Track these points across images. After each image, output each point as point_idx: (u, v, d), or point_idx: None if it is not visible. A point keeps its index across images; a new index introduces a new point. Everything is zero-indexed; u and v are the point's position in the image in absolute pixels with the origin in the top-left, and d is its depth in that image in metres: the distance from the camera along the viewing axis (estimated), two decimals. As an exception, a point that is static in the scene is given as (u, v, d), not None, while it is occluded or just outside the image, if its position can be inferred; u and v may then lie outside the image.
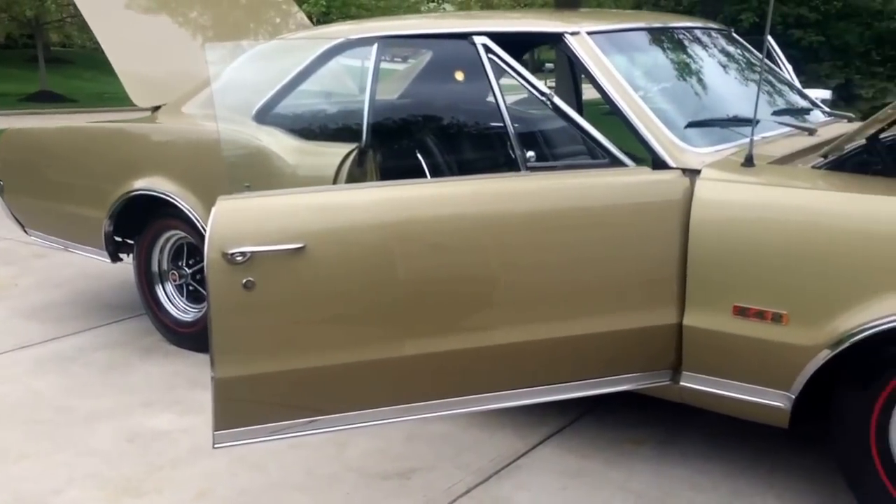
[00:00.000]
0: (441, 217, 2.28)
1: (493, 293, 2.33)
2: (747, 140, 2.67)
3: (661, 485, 2.55)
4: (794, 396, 2.25)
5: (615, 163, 2.46)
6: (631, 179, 2.43)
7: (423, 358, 2.29)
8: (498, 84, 2.41)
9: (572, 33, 2.71)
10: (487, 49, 2.43)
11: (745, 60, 3.50)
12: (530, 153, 2.37)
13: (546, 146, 2.65)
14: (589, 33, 2.73)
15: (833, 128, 3.08)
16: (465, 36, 2.48)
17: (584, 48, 2.67)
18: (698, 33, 3.40)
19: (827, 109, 3.56)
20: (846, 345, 2.12)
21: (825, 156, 2.44)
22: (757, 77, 3.50)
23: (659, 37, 3.19)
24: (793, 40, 17.45)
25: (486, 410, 2.50)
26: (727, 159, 2.49)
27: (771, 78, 3.49)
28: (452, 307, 2.32)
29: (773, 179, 2.35)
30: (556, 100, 2.44)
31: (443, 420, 2.90)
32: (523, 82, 2.44)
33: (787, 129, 2.91)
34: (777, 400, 2.29)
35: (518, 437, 2.83)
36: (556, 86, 4.40)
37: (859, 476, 2.24)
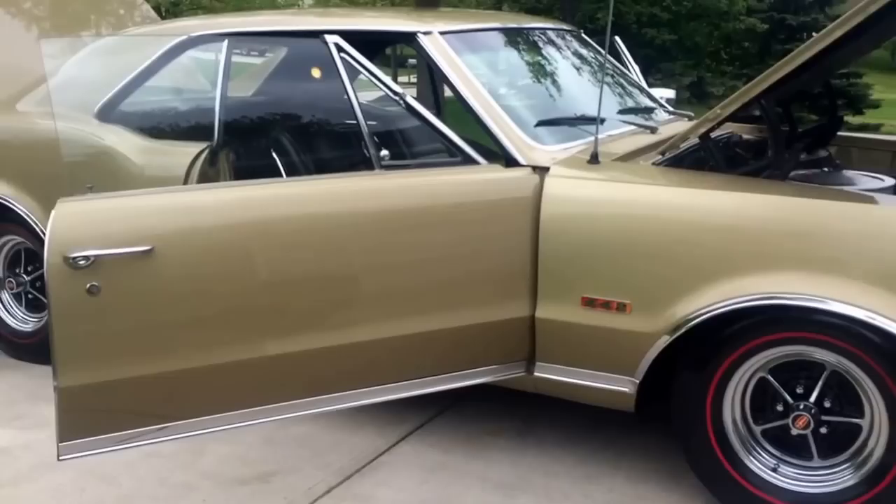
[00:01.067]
0: (295, 217, 2.32)
1: (349, 292, 2.39)
2: (594, 138, 2.86)
3: (517, 473, 2.68)
4: (638, 381, 2.43)
5: (468, 161, 2.56)
6: (482, 177, 2.54)
7: (282, 358, 2.32)
8: (351, 83, 2.47)
9: (425, 33, 2.80)
10: (339, 48, 2.48)
11: (595, 61, 3.71)
12: (384, 152, 2.44)
13: (402, 145, 2.73)
14: (442, 33, 2.82)
15: (674, 126, 3.32)
16: (317, 34, 2.53)
17: (436, 48, 2.77)
18: (551, 34, 3.58)
19: (670, 109, 3.83)
20: (683, 330, 2.31)
21: (663, 153, 2.64)
22: (619, 75, 3.73)
23: (512, 37, 3.33)
24: (647, 39, 18.40)
25: (347, 408, 2.55)
26: (574, 157, 2.64)
27: (618, 78, 3.72)
28: (309, 307, 2.37)
29: (616, 176, 2.52)
30: (409, 99, 2.52)
31: (302, 421, 2.93)
32: (376, 81, 2.51)
33: (632, 127, 3.12)
34: (623, 385, 2.46)
35: (379, 435, 2.90)
36: (418, 83, 4.51)
37: (698, 454, 2.44)
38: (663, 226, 2.35)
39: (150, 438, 2.23)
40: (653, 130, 3.07)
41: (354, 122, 2.44)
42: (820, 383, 2.27)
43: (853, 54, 3.42)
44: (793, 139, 3.34)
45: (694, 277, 2.31)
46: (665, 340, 2.34)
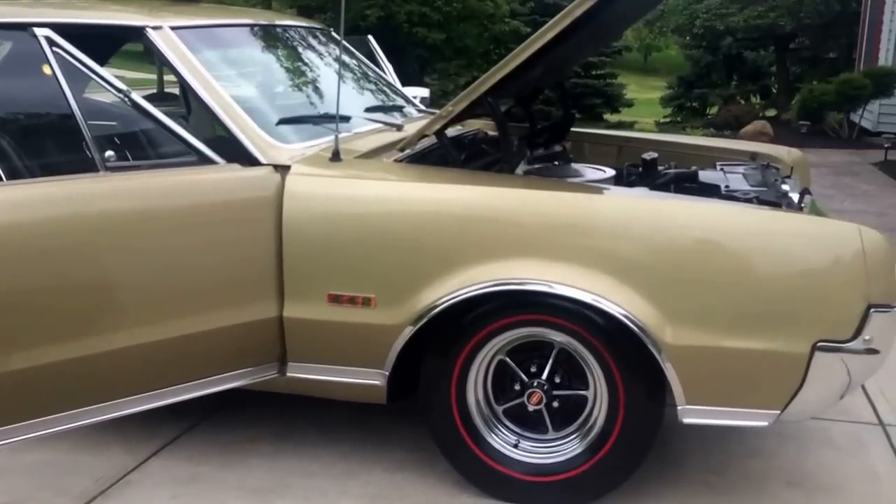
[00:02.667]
0: (12, 224, 2.19)
1: (83, 300, 2.29)
2: (342, 135, 2.93)
3: (276, 477, 2.69)
4: (387, 373, 2.52)
5: (204, 161, 2.53)
6: (219, 177, 2.53)
7: (15, 374, 2.19)
8: (66, 80, 2.35)
9: (154, 28, 2.73)
10: (51, 42, 2.36)
11: (351, 59, 3.79)
12: (109, 153, 2.36)
13: (134, 146, 2.62)
14: (174, 28, 2.77)
15: (420, 124, 3.46)
16: (24, 27, 2.39)
17: (167, 44, 2.71)
18: (302, 32, 3.60)
19: (422, 107, 3.98)
20: (425, 320, 2.42)
21: (402, 149, 2.75)
22: (355, 76, 3.81)
23: (257, 35, 3.33)
24: (418, 38, 18.85)
25: (91, 425, 2.44)
26: (317, 155, 2.69)
27: (368, 77, 3.81)
28: (40, 319, 2.25)
29: (355, 173, 2.60)
30: (136, 97, 2.45)
31: (41, 446, 2.77)
32: (96, 78, 2.41)
33: (378, 125, 3.22)
34: (374, 378, 2.55)
35: (127, 453, 2.80)
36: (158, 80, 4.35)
37: (447, 439, 2.57)
38: (400, 220, 2.46)
39: None
40: (398, 128, 3.19)
41: (74, 121, 2.33)
42: (550, 361, 2.48)
43: (576, 54, 3.72)
44: (532, 135, 3.59)
45: (432, 269, 2.44)
46: (410, 331, 2.45)
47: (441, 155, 2.93)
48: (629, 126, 20.69)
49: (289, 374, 2.63)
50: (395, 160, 2.78)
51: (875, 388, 3.32)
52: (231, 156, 2.61)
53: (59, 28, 2.40)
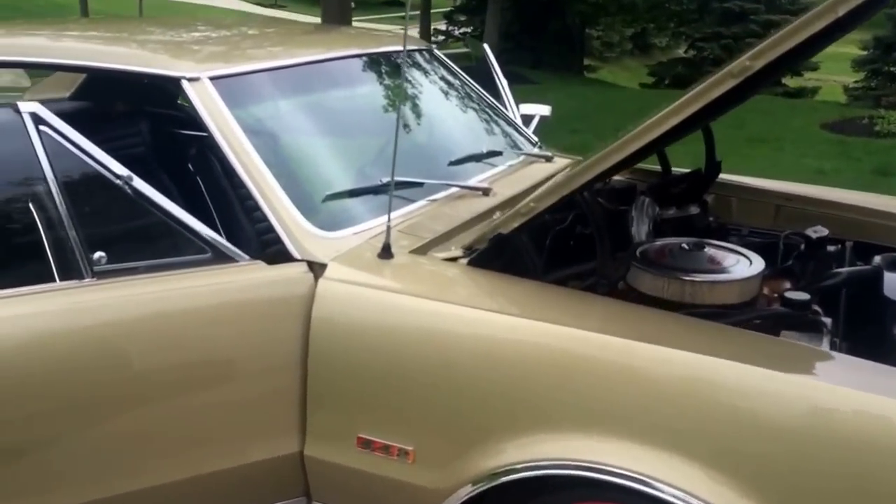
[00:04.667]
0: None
1: (65, 444, 1.91)
2: (410, 207, 2.40)
3: None
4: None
5: (220, 258, 2.07)
6: (235, 281, 2.06)
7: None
8: (51, 164, 1.92)
9: (191, 79, 2.28)
10: (38, 119, 1.92)
11: (449, 87, 3.22)
12: (99, 254, 1.93)
13: (133, 241, 2.14)
14: (213, 78, 2.30)
15: (521, 176, 2.86)
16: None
17: (203, 99, 2.25)
18: (379, 58, 2.99)
19: (533, 139, 3.36)
20: (475, 492, 1.89)
21: (470, 248, 2.18)
22: (451, 106, 3.22)
23: (323, 71, 2.73)
24: (580, -5, 17.86)
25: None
26: (365, 246, 2.18)
27: (469, 104, 3.24)
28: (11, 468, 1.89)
29: (404, 284, 2.06)
30: (139, 182, 2.00)
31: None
32: (90, 161, 1.97)
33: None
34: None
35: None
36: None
37: None
38: (449, 356, 1.91)
39: None
40: (485, 193, 2.60)
41: (57, 215, 1.91)
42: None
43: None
44: (662, 185, 2.92)
45: (490, 424, 1.89)
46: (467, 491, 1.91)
47: (513, 256, 2.32)
48: (812, 93, 18.88)
49: (315, 513, 2.18)
50: (462, 256, 2.20)
51: None
52: (259, 247, 2.15)
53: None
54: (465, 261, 2.16)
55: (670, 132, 1.91)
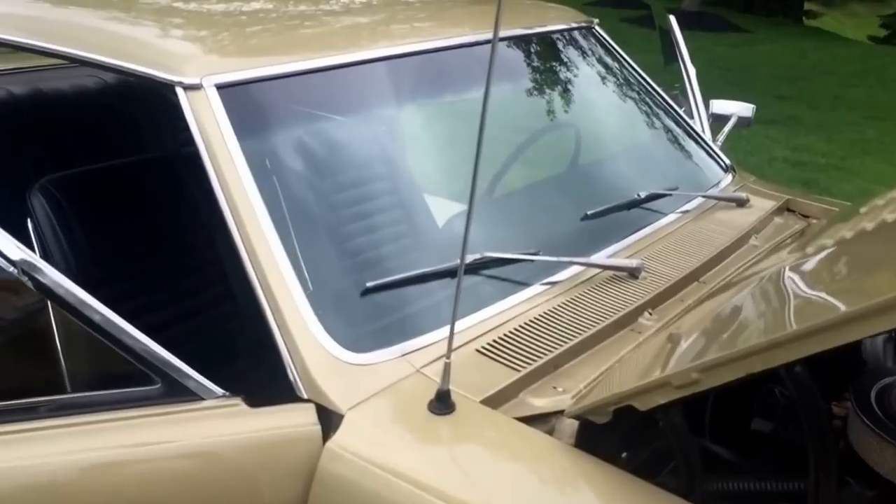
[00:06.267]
0: None
1: None
2: (505, 302, 1.59)
3: None
4: None
5: (175, 391, 1.31)
6: (190, 438, 1.29)
7: None
8: None
9: (189, 87, 1.51)
10: None
11: (599, 81, 2.32)
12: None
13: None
14: (219, 86, 1.52)
15: (691, 245, 1.91)
16: None
17: (198, 115, 1.48)
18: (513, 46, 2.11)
19: (724, 161, 2.38)
20: None
21: (579, 417, 1.29)
22: (630, 112, 2.31)
23: (395, 69, 1.85)
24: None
25: None
26: (415, 381, 1.35)
27: (642, 105, 2.31)
28: None
29: (460, 473, 1.22)
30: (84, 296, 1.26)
31: None
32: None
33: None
34: None
35: None
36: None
37: None
38: None
39: None
40: (632, 273, 1.70)
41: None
42: None
43: None
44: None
45: None
46: None
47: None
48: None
49: None
50: (568, 413, 1.33)
51: None
52: (240, 374, 1.39)
53: None
54: (570, 435, 1.29)
55: None
